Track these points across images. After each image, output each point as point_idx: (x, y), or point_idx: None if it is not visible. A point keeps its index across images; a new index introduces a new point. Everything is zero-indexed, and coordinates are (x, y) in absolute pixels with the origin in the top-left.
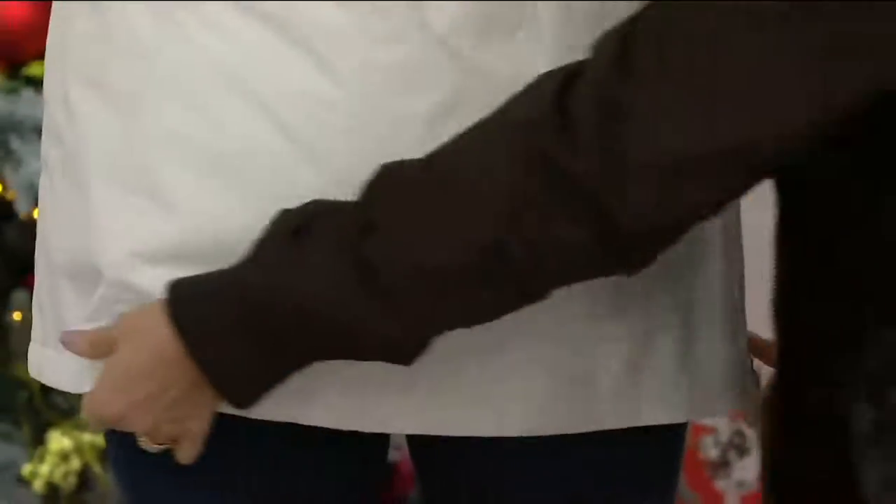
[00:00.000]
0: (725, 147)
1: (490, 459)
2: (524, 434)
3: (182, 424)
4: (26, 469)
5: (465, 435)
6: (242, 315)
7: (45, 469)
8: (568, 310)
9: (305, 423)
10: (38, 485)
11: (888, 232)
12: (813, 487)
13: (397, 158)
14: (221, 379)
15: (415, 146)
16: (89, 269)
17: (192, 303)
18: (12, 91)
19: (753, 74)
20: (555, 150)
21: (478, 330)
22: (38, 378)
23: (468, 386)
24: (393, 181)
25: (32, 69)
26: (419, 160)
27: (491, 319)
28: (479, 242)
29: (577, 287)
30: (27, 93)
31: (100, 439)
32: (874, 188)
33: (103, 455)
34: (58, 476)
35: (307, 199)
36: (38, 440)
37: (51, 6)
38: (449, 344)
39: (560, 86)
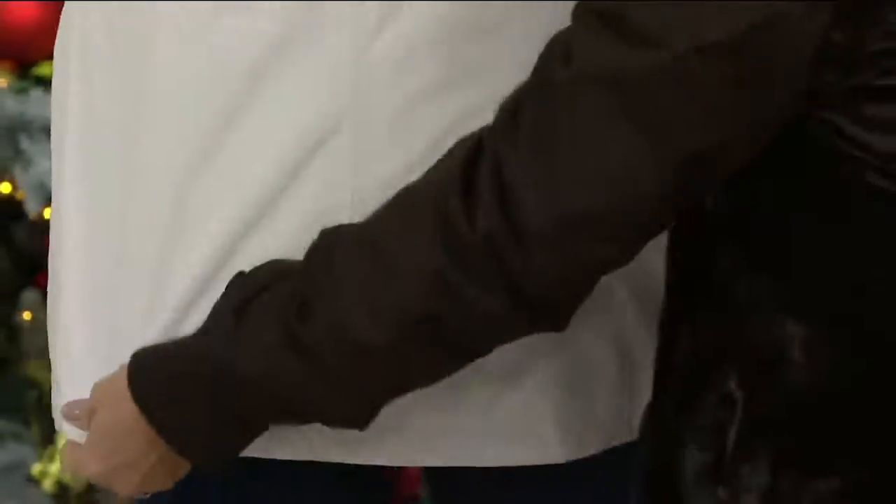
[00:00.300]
0: (593, 212)
1: (506, 480)
2: (568, 459)
3: (171, 477)
4: (36, 468)
5: (508, 465)
6: (198, 386)
7: (54, 468)
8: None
9: (326, 459)
10: (47, 484)
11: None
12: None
13: None
14: (185, 446)
15: None
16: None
17: (151, 374)
18: (22, 91)
19: (600, 147)
20: (461, 222)
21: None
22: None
23: (497, 417)
24: (329, 253)
25: (42, 69)
26: (354, 228)
27: (442, 378)
28: (411, 317)
29: None
30: (36, 93)
31: None
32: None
33: None
34: (67, 475)
35: None
36: (48, 439)
37: (60, 6)
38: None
39: (467, 154)
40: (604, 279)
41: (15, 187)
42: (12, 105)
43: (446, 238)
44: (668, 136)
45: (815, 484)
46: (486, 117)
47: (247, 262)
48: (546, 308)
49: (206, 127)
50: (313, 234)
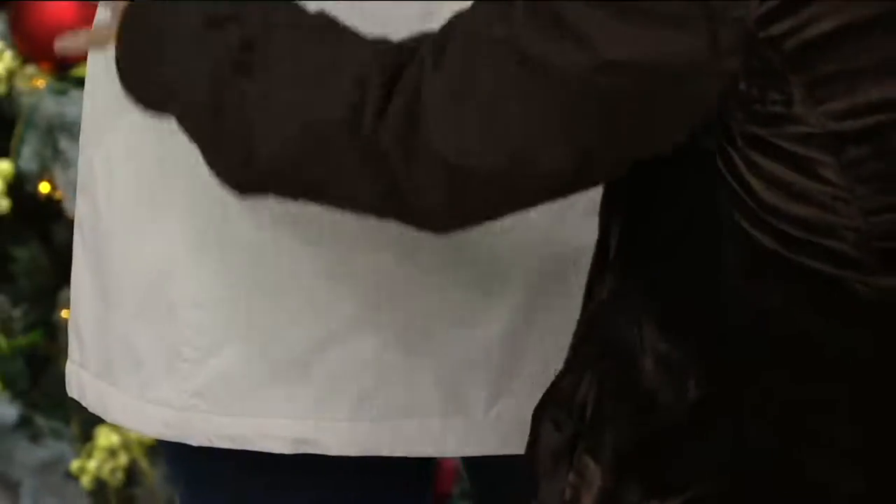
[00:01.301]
0: (488, 171)
1: None
2: None
3: None
4: (74, 465)
5: None
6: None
7: (93, 465)
8: None
9: (381, 454)
10: (86, 480)
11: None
12: None
13: None
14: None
15: None
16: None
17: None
18: (61, 92)
19: (511, 119)
20: (370, 106)
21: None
22: (79, 400)
23: None
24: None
25: (80, 70)
26: (313, 18)
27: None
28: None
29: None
30: (75, 93)
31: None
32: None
33: (151, 451)
34: (106, 472)
35: None
36: (87, 436)
37: (97, 6)
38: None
39: (405, 51)
40: None
41: (54, 187)
42: (52, 106)
43: (354, 108)
44: (573, 130)
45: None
46: None
47: None
48: (419, 216)
49: None
50: None
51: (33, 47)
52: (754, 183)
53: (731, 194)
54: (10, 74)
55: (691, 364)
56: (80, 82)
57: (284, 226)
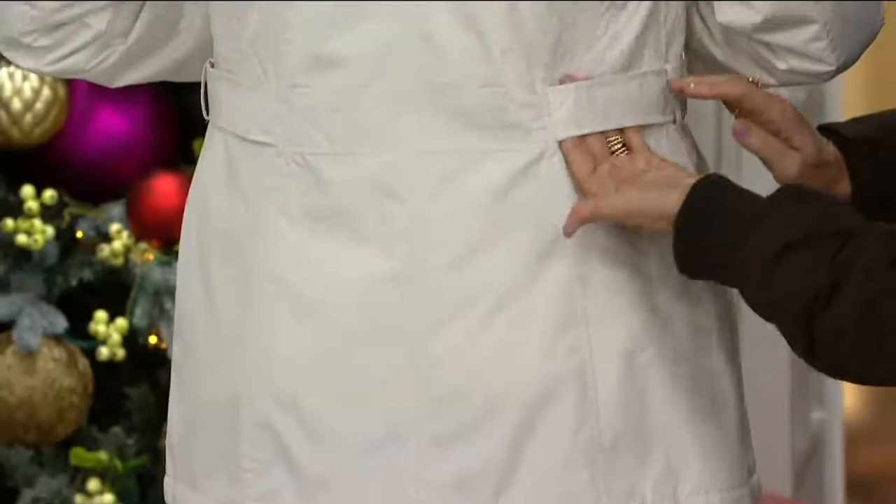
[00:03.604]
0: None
1: None
2: None
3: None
4: None
5: None
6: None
7: None
8: None
9: None
10: None
11: None
12: None
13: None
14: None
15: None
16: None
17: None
18: (166, 263)
19: None
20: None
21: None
22: None
23: None
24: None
25: None
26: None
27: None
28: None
29: None
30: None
31: None
32: None
33: None
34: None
35: None
36: None
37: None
38: None
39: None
40: None
41: (160, 339)
42: (158, 274)
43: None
44: None
45: None
46: None
47: None
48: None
49: None
50: None
51: (145, 228)
52: None
53: None
54: (127, 250)
55: None
56: None
57: None
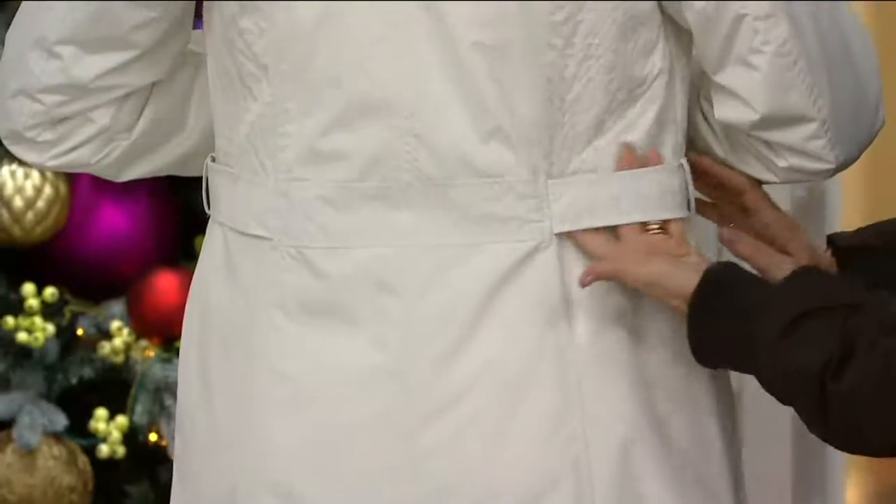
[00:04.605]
0: None
1: None
2: None
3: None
4: None
5: None
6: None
7: None
8: None
9: None
10: None
11: None
12: None
13: None
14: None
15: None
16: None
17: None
18: (167, 360)
19: None
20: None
21: None
22: None
23: None
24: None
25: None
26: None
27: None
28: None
29: None
30: (178, 361)
31: None
32: None
33: None
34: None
35: None
36: None
37: None
38: None
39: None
40: None
41: (160, 437)
42: (159, 371)
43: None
44: None
45: None
46: None
47: None
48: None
49: None
50: None
51: (146, 325)
52: None
53: None
54: (127, 347)
55: None
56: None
57: None
